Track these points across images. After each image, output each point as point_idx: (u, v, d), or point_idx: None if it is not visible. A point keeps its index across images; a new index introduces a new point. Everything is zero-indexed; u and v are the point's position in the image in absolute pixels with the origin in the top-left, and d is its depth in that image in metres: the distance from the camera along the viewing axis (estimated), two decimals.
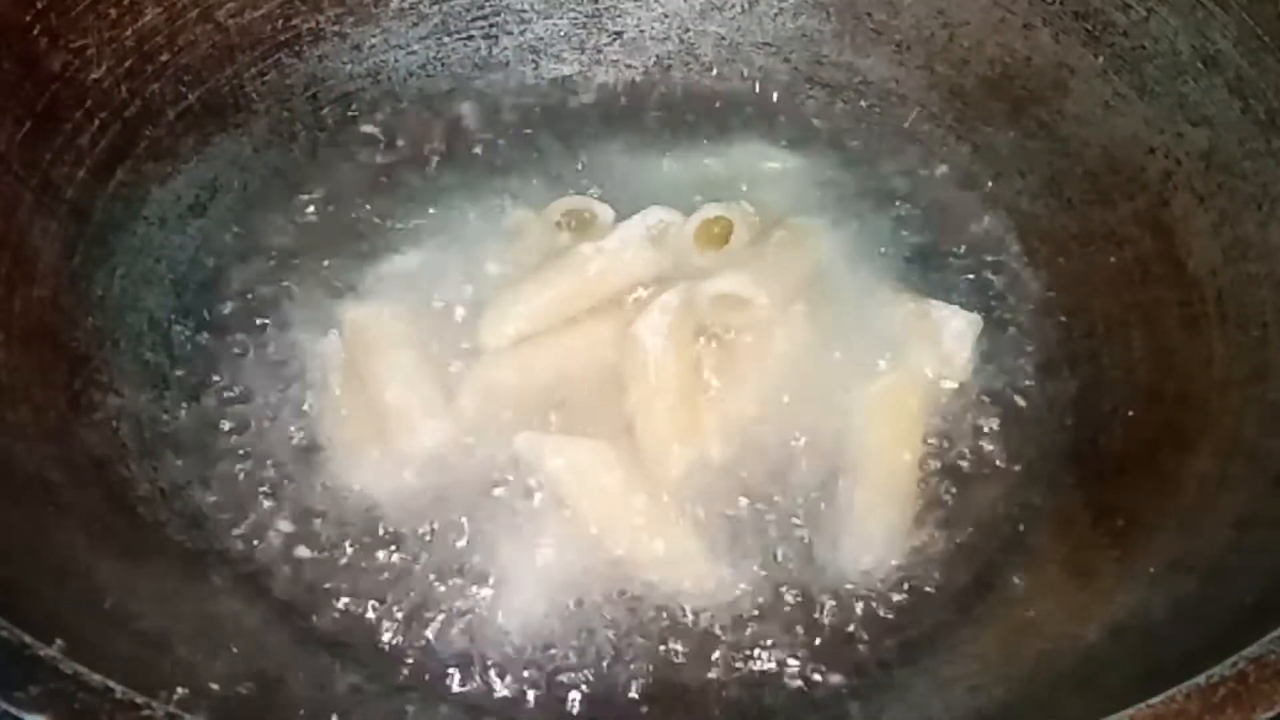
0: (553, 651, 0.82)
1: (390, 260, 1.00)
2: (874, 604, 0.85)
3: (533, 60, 1.13)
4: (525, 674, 0.82)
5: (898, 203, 1.07)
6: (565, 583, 0.85)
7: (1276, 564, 0.70)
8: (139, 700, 0.58)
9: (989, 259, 1.03)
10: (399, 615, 0.84)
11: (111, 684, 0.58)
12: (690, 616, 0.84)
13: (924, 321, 0.96)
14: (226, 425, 0.92)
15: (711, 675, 0.82)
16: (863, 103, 1.12)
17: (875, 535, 0.87)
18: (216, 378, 0.94)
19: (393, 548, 0.86)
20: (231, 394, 0.93)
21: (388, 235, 1.03)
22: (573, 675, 0.82)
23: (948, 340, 0.95)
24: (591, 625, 0.83)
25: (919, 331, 0.95)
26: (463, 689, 0.81)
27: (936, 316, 0.96)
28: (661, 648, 0.83)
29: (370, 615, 0.84)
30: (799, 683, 0.81)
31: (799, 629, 0.84)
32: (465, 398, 0.91)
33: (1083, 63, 1.00)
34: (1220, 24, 0.90)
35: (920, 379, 0.94)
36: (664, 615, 0.84)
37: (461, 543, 0.87)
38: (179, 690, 0.63)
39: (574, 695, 0.81)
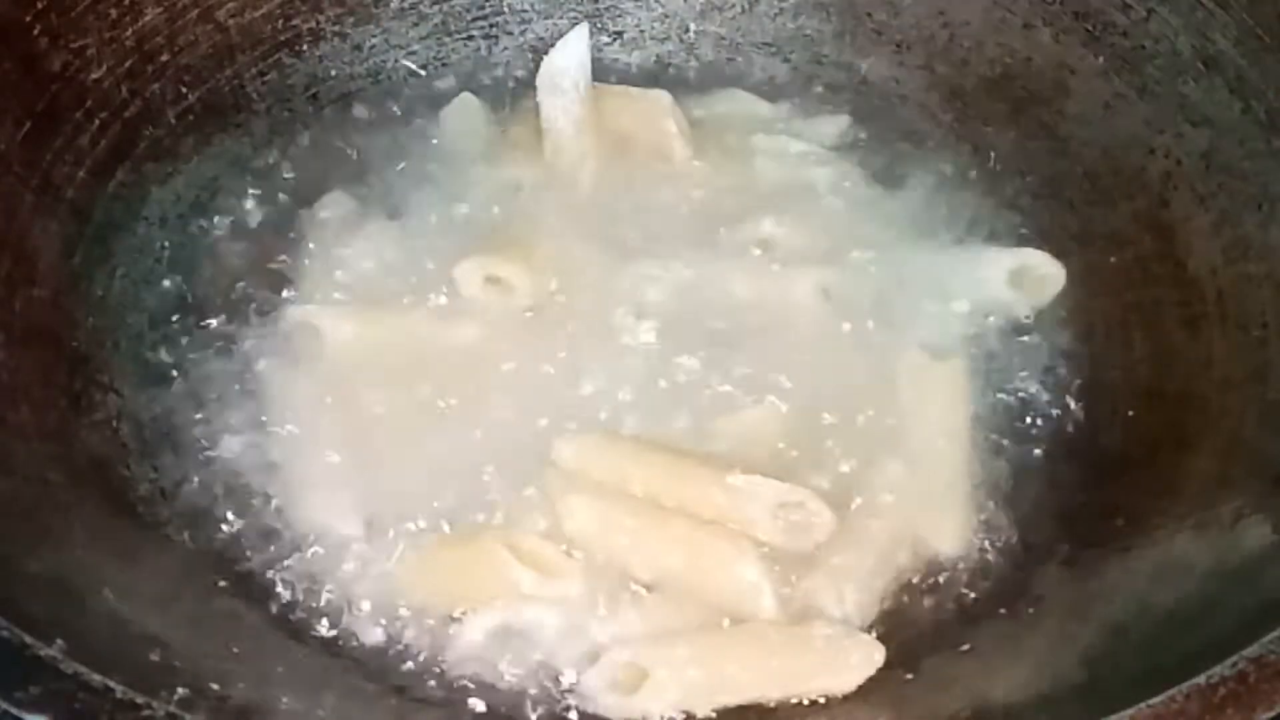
0: (556, 655, 0.82)
1: (388, 261, 1.00)
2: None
3: (533, 60, 1.13)
4: (526, 678, 0.81)
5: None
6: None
7: (1276, 564, 0.70)
8: (139, 700, 0.58)
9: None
10: (399, 617, 0.83)
11: (112, 684, 0.58)
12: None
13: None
14: (227, 425, 0.91)
15: None
16: (863, 103, 1.12)
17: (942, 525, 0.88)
18: (217, 378, 0.94)
19: (393, 550, 0.86)
20: (232, 394, 0.93)
21: (384, 236, 1.02)
22: (576, 677, 0.81)
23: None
24: (594, 629, 0.83)
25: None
26: (462, 691, 0.81)
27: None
28: None
29: (370, 617, 0.83)
30: None
31: None
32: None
33: (1083, 63, 1.00)
34: (1220, 24, 0.90)
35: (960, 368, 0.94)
36: (662, 616, 0.84)
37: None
38: (179, 690, 0.63)
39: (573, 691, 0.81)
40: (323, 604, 0.84)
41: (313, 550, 0.86)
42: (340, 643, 0.82)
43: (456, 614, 0.83)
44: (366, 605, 0.84)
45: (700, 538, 0.84)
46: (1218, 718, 0.56)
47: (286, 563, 0.86)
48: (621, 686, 0.79)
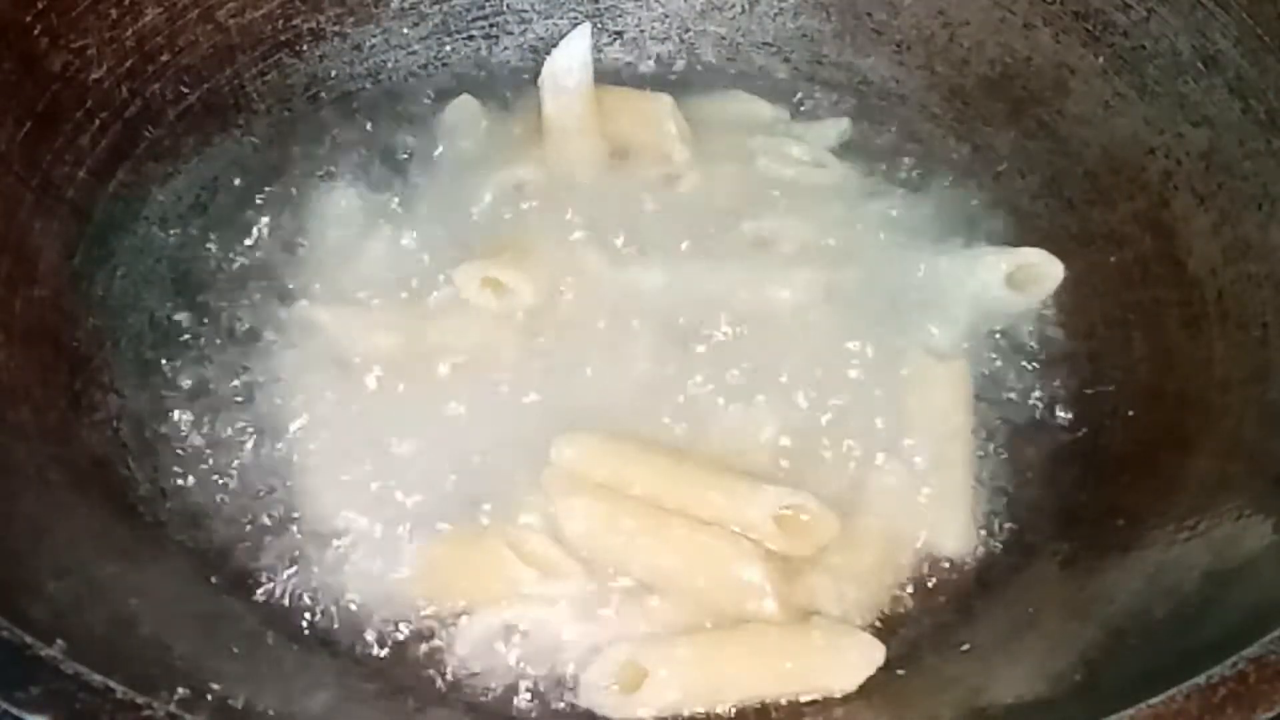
0: (557, 654, 0.82)
1: (388, 261, 1.00)
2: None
3: (533, 60, 1.13)
4: (527, 678, 0.81)
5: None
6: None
7: (1276, 564, 0.70)
8: (139, 700, 0.58)
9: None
10: (400, 617, 0.84)
11: (112, 684, 0.59)
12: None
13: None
14: (227, 425, 0.91)
15: None
16: (863, 103, 1.12)
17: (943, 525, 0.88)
18: (218, 377, 0.94)
19: (395, 549, 0.86)
20: (232, 394, 0.93)
21: (385, 236, 1.02)
22: (577, 676, 0.81)
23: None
24: (595, 629, 0.83)
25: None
26: (462, 690, 0.81)
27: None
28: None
29: (371, 616, 0.83)
30: None
31: None
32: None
33: (1083, 63, 1.00)
34: (1220, 24, 0.90)
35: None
36: (662, 616, 0.84)
37: None
38: (179, 690, 0.63)
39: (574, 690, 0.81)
40: (323, 603, 0.84)
41: (313, 550, 0.86)
42: (341, 642, 0.82)
43: (457, 613, 0.83)
44: (367, 604, 0.84)
45: (700, 539, 0.84)
46: (1218, 718, 0.56)
47: (287, 562, 0.86)
48: (621, 686, 0.79)
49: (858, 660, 0.79)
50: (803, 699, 0.79)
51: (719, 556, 0.83)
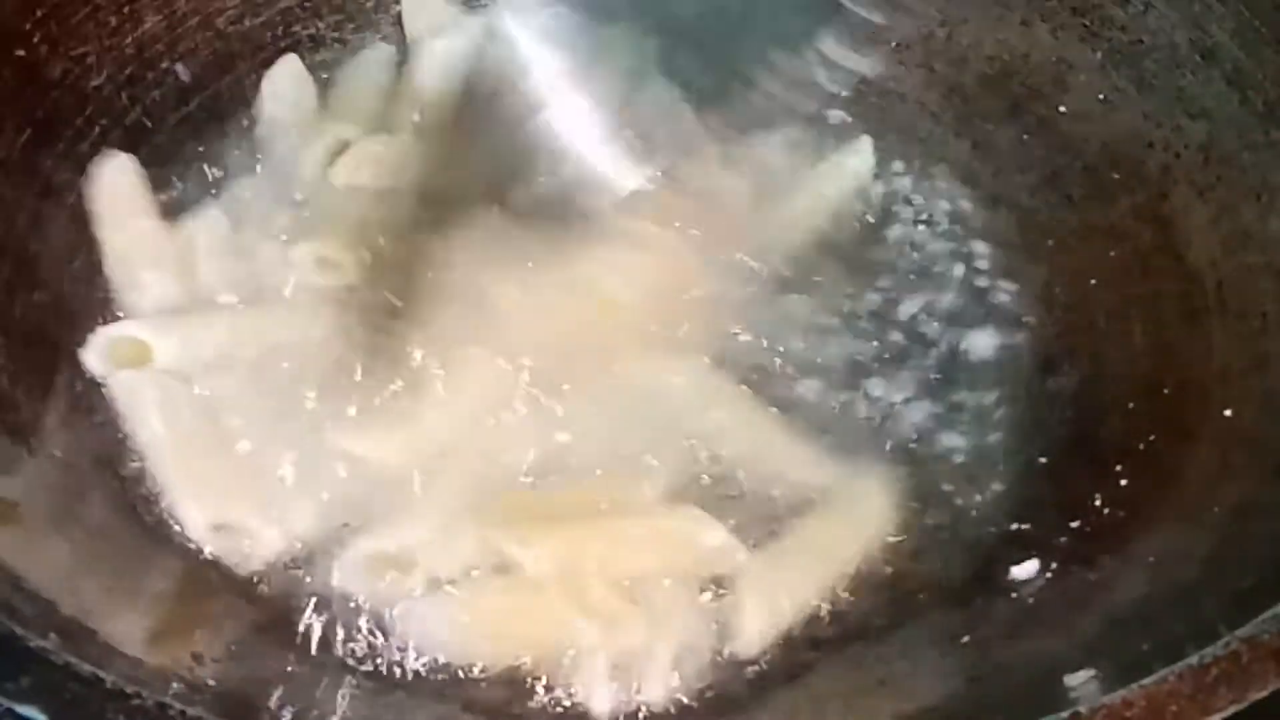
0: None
1: None
2: (874, 597, 0.85)
3: None
4: (526, 676, 0.81)
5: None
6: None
7: (1275, 551, 0.69)
8: (129, 690, 0.58)
9: (990, 255, 1.03)
10: (396, 616, 0.83)
11: (102, 674, 0.58)
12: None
13: None
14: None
15: None
16: (862, 102, 1.12)
17: None
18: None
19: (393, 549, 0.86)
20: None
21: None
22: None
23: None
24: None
25: None
26: (459, 688, 0.81)
27: None
28: None
29: (368, 615, 0.83)
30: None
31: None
32: None
33: (1081, 58, 1.00)
34: (1217, 16, 0.90)
35: None
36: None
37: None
38: (174, 685, 0.63)
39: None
40: (322, 602, 0.83)
41: (311, 549, 0.86)
42: (340, 640, 0.82)
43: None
44: (366, 604, 0.83)
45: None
46: (1210, 698, 0.56)
47: (286, 563, 0.85)
48: None
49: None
50: None
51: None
